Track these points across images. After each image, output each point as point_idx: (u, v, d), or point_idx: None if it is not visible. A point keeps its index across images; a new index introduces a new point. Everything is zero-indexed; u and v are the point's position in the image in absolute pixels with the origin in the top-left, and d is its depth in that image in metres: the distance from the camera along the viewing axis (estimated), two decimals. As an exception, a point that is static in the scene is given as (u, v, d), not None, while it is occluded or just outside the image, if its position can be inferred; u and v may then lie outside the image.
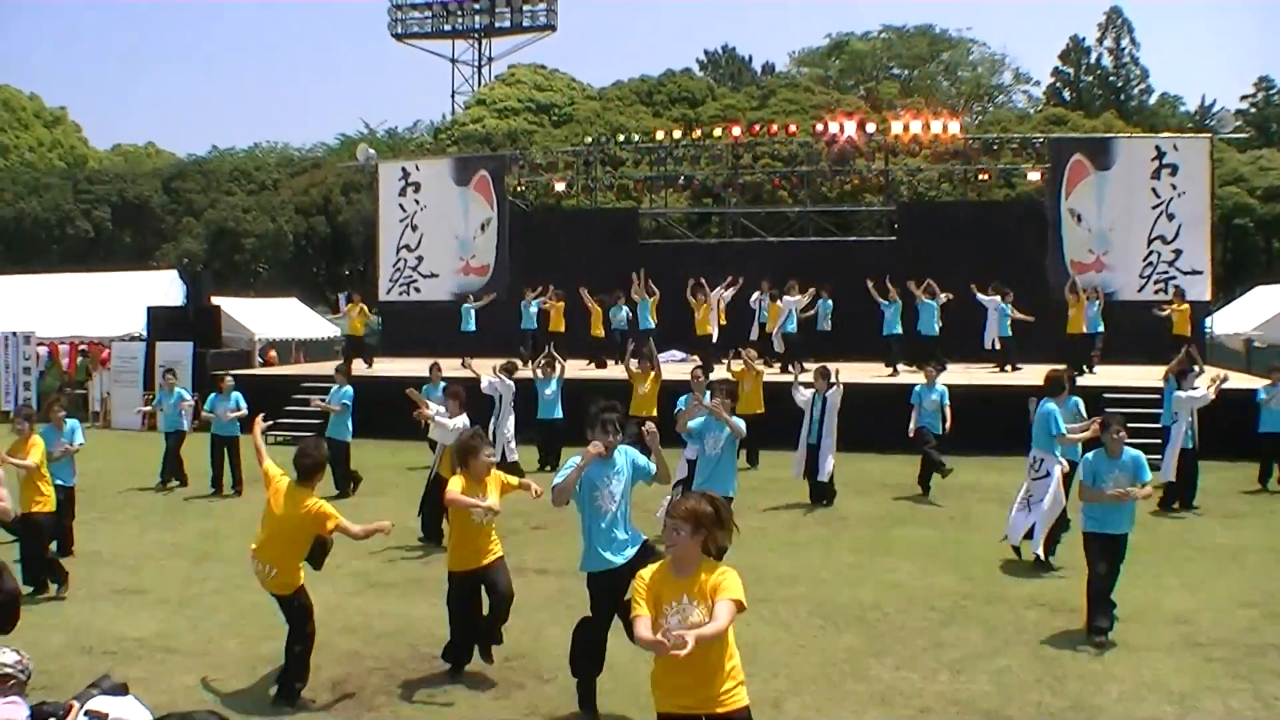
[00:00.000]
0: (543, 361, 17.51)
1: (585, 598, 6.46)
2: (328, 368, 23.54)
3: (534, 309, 23.65)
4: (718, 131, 28.71)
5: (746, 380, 16.44)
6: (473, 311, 24.22)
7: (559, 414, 17.04)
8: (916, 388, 14.99)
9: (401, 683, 7.46)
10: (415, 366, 22.97)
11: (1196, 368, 15.02)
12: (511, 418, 15.91)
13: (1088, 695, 7.14)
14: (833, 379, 14.23)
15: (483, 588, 7.51)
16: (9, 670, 3.80)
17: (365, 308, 24.54)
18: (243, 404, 15.78)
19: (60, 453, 11.17)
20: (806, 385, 14.44)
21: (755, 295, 22.35)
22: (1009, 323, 20.88)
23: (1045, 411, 10.63)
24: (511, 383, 16.08)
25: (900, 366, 20.78)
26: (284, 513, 7.01)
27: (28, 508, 9.86)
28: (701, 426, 9.47)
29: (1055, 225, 24.75)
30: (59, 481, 10.89)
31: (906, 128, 26.66)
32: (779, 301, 21.56)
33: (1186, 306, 20.63)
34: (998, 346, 21.11)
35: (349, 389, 15.54)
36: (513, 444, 15.70)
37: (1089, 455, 8.58)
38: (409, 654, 8.06)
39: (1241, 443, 15.46)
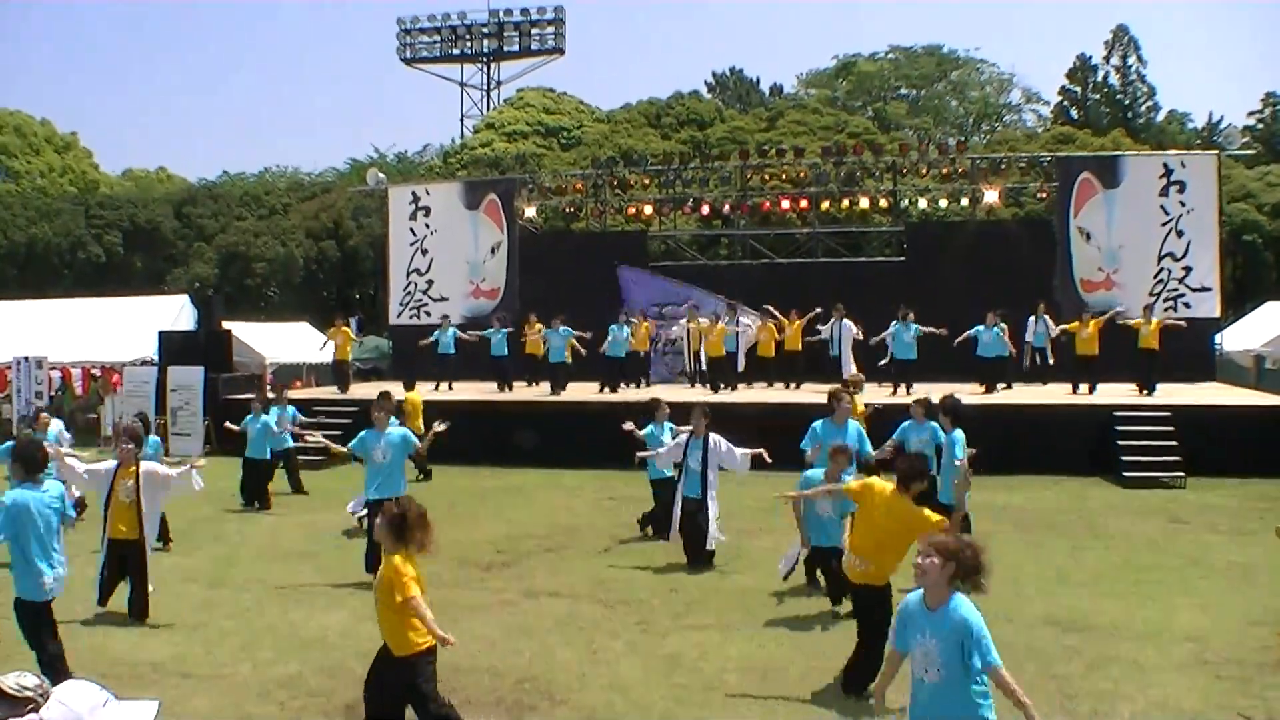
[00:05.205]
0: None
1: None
2: (337, 392, 23.73)
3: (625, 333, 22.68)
4: (726, 153, 28.78)
5: None
6: (454, 333, 23.70)
7: None
8: None
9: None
10: (423, 390, 23.06)
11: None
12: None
13: (1100, 714, 7.14)
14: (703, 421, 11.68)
15: None
16: (29, 693, 3.84)
17: (349, 331, 24.60)
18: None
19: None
20: (677, 430, 12.39)
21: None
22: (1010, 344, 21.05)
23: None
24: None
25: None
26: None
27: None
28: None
29: (1064, 244, 24.75)
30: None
31: (915, 148, 26.75)
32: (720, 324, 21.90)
33: (1156, 323, 20.70)
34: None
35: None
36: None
37: None
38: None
39: (1250, 460, 15.43)
